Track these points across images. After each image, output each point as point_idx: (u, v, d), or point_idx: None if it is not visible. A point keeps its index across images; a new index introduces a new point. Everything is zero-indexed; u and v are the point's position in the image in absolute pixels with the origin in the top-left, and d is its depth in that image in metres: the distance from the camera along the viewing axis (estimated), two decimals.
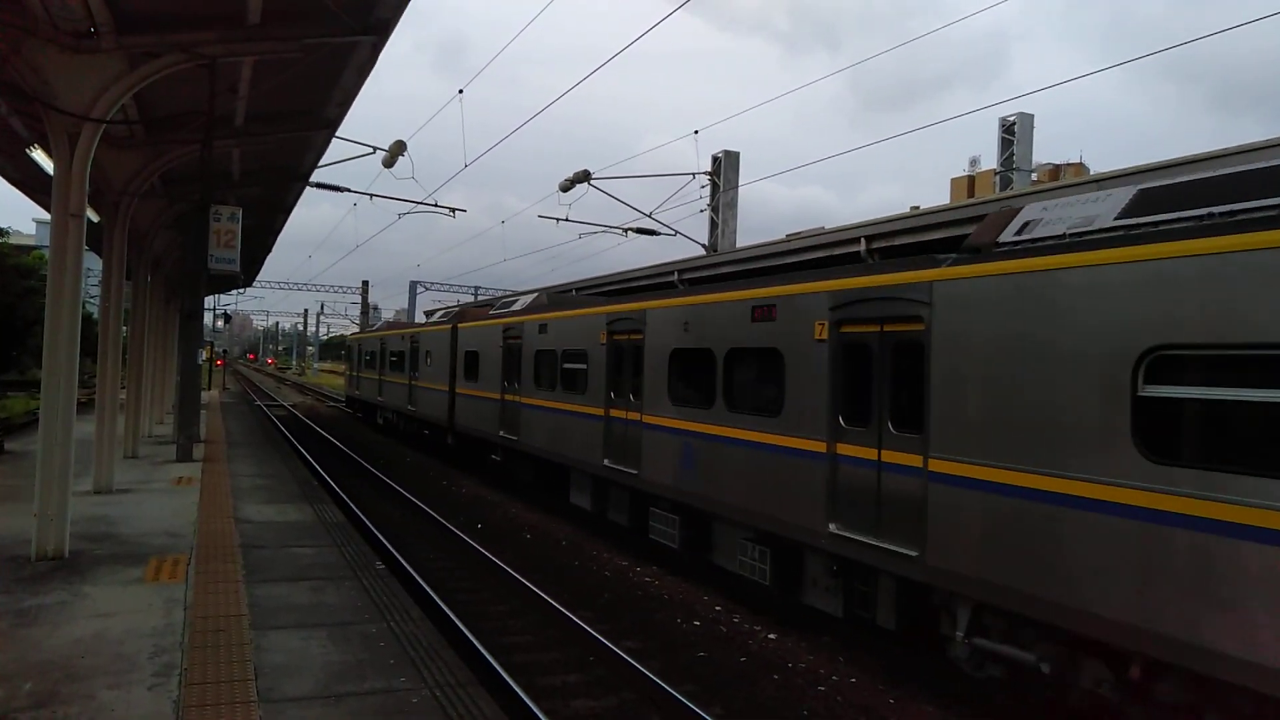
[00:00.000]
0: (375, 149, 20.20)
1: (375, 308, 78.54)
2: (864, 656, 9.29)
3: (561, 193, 25.89)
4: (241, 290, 55.26)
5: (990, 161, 51.45)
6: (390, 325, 41.16)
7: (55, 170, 10.02)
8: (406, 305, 64.78)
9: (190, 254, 17.32)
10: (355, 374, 39.81)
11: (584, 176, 25.56)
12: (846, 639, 9.74)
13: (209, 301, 53.47)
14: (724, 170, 32.26)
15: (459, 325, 23.27)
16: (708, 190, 32.07)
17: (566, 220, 28.60)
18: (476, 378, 20.89)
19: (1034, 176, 46.87)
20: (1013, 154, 44.77)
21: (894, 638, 8.84)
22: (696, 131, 26.61)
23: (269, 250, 34.41)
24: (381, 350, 32.94)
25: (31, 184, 18.34)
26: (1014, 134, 44.60)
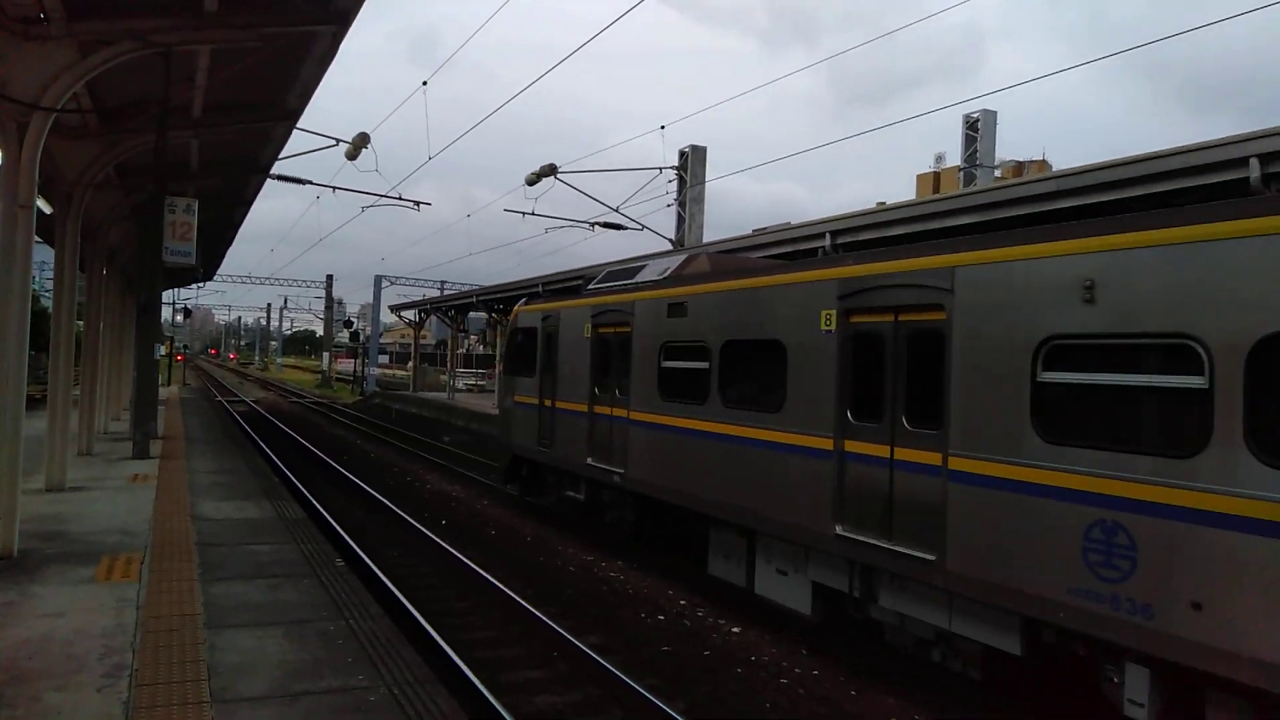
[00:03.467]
0: (338, 141, 20.00)
1: (340, 302, 77.82)
2: (827, 650, 9.34)
3: (528, 186, 25.76)
4: (201, 284, 54.37)
5: (956, 158, 51.95)
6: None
7: (4, 160, 9.77)
8: (371, 300, 64.13)
9: (146, 246, 17.00)
10: (595, 403, 13.61)
11: (550, 170, 25.45)
12: (811, 633, 9.79)
13: (168, 296, 52.65)
14: (691, 165, 32.27)
15: None
16: (675, 185, 32.08)
17: (533, 214, 28.49)
18: None
19: (997, 173, 47.38)
20: (976, 151, 45.26)
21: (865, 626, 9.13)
22: (663, 127, 26.64)
23: (229, 243, 33.96)
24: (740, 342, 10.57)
25: None
26: (977, 131, 45.08)
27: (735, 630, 10.00)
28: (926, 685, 8.29)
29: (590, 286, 14.63)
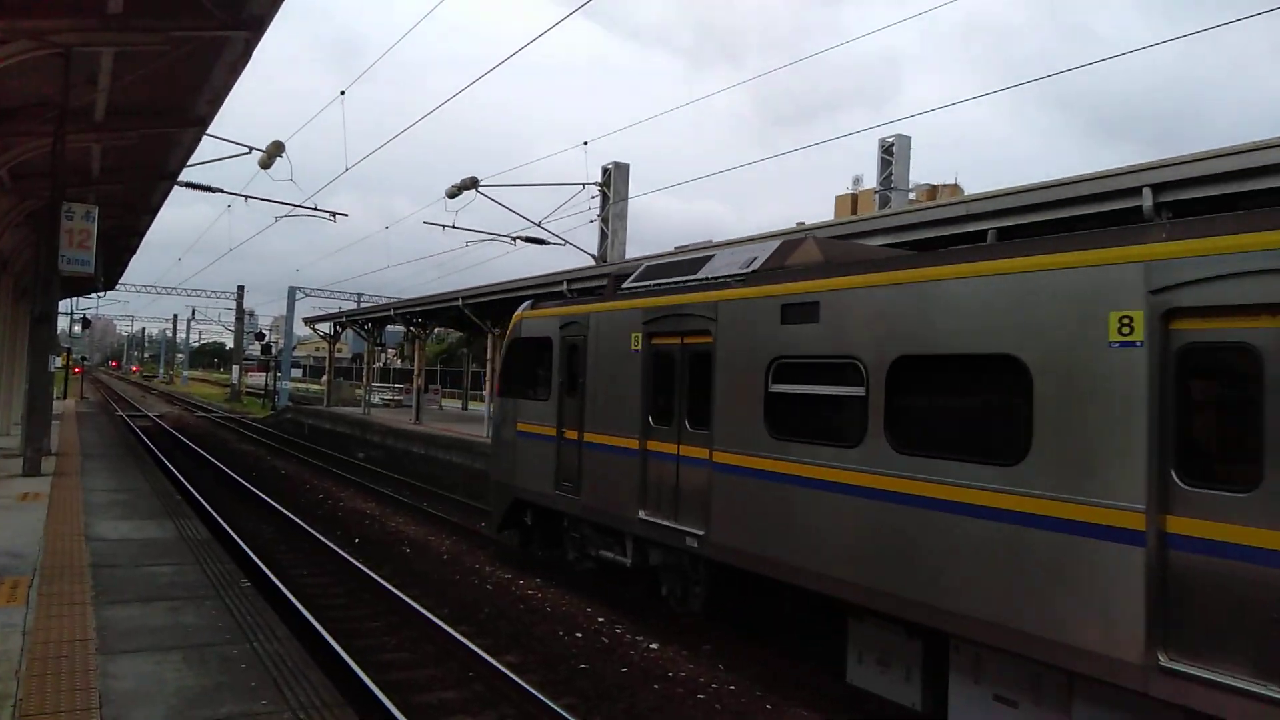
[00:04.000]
0: (251, 149, 19.48)
1: (251, 314, 75.55)
2: (743, 664, 9.40)
3: (449, 199, 25.46)
4: (102, 294, 52.09)
5: (873, 181, 53.48)
6: None
7: None
8: (285, 311, 62.42)
9: (42, 254, 16.22)
10: (650, 438, 10.54)
11: (471, 183, 25.21)
12: (727, 648, 9.84)
13: (66, 305, 50.21)
14: (614, 182, 32.40)
15: None
16: (598, 201, 32.16)
17: (453, 227, 28.12)
18: None
19: (912, 196, 49.00)
20: (891, 174, 46.62)
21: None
22: (586, 143, 26.68)
23: (133, 252, 32.72)
24: None
25: None
26: (893, 155, 46.45)
27: (653, 647, 9.99)
28: (837, 699, 8.41)
29: (630, 285, 11.45)
